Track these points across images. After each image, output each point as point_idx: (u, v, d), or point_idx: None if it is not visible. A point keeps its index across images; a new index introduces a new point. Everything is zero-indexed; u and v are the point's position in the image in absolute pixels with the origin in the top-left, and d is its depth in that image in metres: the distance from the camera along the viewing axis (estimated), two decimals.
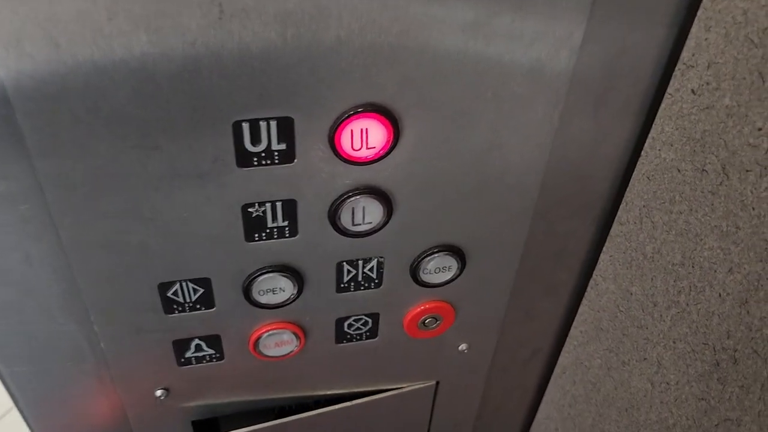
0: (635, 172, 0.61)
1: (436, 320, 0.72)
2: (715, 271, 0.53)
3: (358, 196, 0.55)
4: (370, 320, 0.69)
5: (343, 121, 0.49)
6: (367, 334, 0.70)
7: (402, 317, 0.70)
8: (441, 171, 0.56)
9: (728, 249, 0.51)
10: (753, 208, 0.48)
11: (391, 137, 0.51)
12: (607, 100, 0.56)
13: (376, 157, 0.52)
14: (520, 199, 0.61)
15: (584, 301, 0.75)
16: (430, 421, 0.87)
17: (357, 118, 0.50)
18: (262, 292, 0.60)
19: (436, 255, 0.63)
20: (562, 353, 0.82)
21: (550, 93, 0.53)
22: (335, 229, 0.57)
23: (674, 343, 0.59)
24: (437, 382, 0.82)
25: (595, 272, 0.72)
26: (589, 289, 0.73)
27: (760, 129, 0.46)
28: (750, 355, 0.50)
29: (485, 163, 0.57)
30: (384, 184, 0.55)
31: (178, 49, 0.43)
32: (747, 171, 0.49)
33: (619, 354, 0.69)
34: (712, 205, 0.52)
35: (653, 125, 0.58)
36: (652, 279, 0.62)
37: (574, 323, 0.78)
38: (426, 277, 0.65)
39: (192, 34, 0.43)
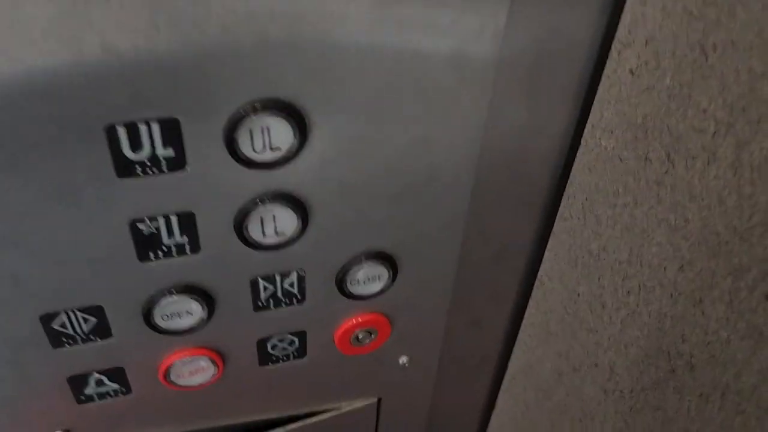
0: (576, 163, 0.56)
1: (371, 334, 0.65)
2: (665, 269, 0.48)
3: (266, 204, 0.48)
4: (296, 339, 0.63)
5: (238, 120, 0.43)
6: (295, 353, 0.63)
7: (332, 333, 0.63)
8: (360, 172, 0.50)
9: (678, 244, 0.46)
10: (702, 199, 0.43)
11: (298, 136, 0.45)
12: (539, 86, 0.50)
13: (282, 160, 0.46)
14: (452, 199, 0.55)
15: (531, 303, 0.69)
16: None
17: (255, 116, 0.43)
18: (165, 317, 0.52)
19: (363, 264, 0.57)
20: (511, 359, 0.77)
21: (476, 82, 0.47)
22: (244, 243, 0.50)
23: (626, 347, 0.55)
24: (379, 399, 0.76)
25: (540, 272, 0.66)
26: (535, 290, 0.68)
27: (705, 111, 0.41)
28: (707, 360, 0.46)
29: (410, 161, 0.51)
30: (295, 190, 0.49)
31: (24, 48, 0.36)
32: (693, 158, 0.44)
33: (570, 359, 0.64)
34: (658, 196, 0.47)
35: (591, 111, 0.53)
36: (599, 278, 0.56)
37: (522, 327, 0.72)
38: (354, 289, 0.59)
39: (39, 30, 0.35)
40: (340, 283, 0.58)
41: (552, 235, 0.63)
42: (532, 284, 0.69)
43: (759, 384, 0.41)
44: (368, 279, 0.59)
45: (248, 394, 0.66)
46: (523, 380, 0.74)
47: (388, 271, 0.59)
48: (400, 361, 0.71)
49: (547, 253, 0.64)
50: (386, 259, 0.58)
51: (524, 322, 0.72)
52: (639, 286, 0.51)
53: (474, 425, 0.87)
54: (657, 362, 0.51)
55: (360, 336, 0.65)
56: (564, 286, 0.62)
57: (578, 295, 0.60)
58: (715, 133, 0.42)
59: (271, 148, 0.45)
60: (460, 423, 0.86)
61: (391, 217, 0.55)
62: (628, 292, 0.53)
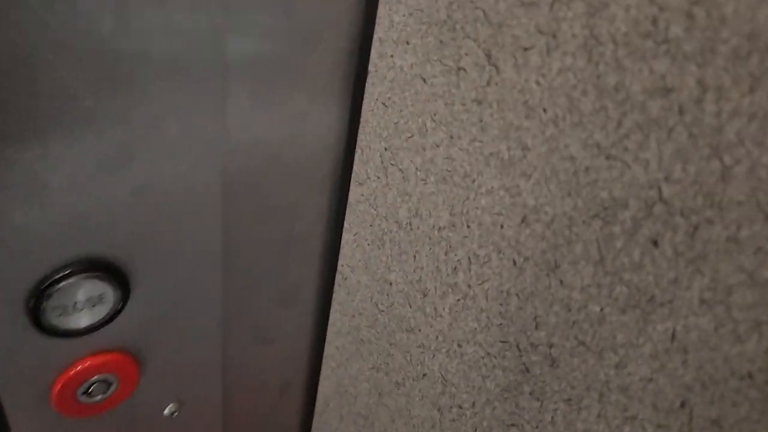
0: (365, 100, 0.40)
1: (108, 383, 0.45)
2: (502, 226, 0.33)
3: None
4: None
5: None
6: None
7: (45, 392, 0.42)
8: None
9: (516, 186, 0.32)
10: (544, 110, 0.29)
11: None
12: None
13: None
14: (200, 204, 0.37)
15: (334, 306, 0.53)
16: None
17: None
18: None
19: (71, 280, 0.37)
20: (321, 380, 0.59)
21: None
22: None
23: (460, 346, 0.39)
24: None
25: (340, 261, 0.50)
26: (336, 287, 0.51)
27: None
28: (575, 349, 0.31)
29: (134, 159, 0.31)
30: None
31: None
32: (525, 49, 0.29)
33: (390, 372, 0.48)
34: (481, 121, 0.32)
35: (377, 18, 0.37)
36: (414, 257, 0.41)
37: (328, 338, 0.55)
38: (61, 320, 0.38)
39: None
40: (35, 312, 0.37)
41: (348, 207, 0.46)
42: (333, 280, 0.52)
43: (654, 375, 0.28)
44: (85, 303, 0.39)
45: None
46: (338, 406, 0.57)
47: (114, 289, 0.39)
48: (166, 412, 0.51)
49: (345, 235, 0.48)
50: (107, 270, 0.38)
51: (329, 331, 0.55)
52: (468, 257, 0.36)
53: None
54: (503, 361, 0.36)
55: (92, 389, 0.44)
56: (371, 275, 0.46)
57: (390, 284, 0.44)
58: (553, 3, 0.27)
59: None
60: None
61: (111, 217, 0.35)
62: (455, 268, 0.38)
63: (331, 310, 0.53)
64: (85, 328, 0.40)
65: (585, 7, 0.26)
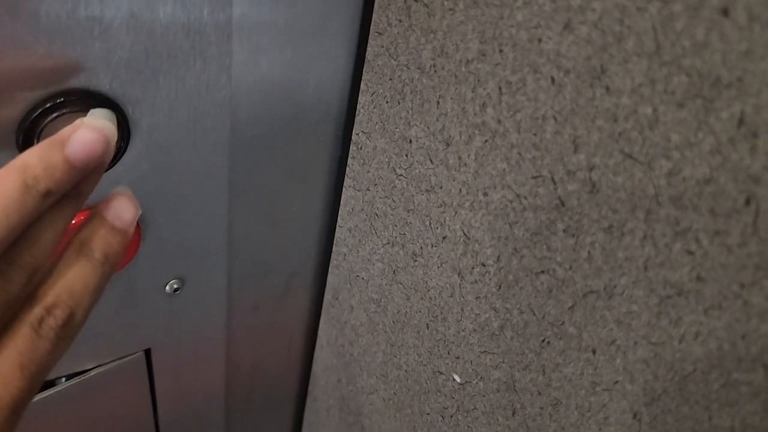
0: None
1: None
2: (540, 40, 0.30)
3: None
4: None
5: None
6: None
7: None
8: None
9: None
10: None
11: None
12: None
13: None
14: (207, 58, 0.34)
15: (347, 182, 0.50)
16: (155, 400, 0.58)
17: None
18: None
19: (66, 110, 0.34)
20: (330, 270, 0.57)
21: None
22: None
23: (486, 195, 0.36)
24: (147, 351, 0.52)
25: (354, 129, 0.47)
26: (350, 160, 0.48)
27: None
28: (619, 165, 0.28)
29: None
30: None
31: None
32: None
33: (406, 244, 0.45)
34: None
35: None
36: (438, 102, 0.38)
37: (339, 221, 0.53)
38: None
39: None
40: (27, 146, 0.34)
41: (366, 64, 0.43)
42: (346, 154, 0.49)
43: (714, 173, 0.25)
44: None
45: None
46: (348, 297, 0.55)
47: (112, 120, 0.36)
48: (167, 288, 0.48)
49: (361, 98, 0.45)
50: (108, 107, 0.35)
51: (341, 211, 0.52)
52: (499, 87, 0.33)
53: (295, 365, 0.66)
54: (536, 200, 0.33)
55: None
56: (389, 137, 0.43)
57: (410, 142, 0.41)
58: None
59: None
60: (276, 361, 0.64)
61: None
62: (483, 104, 0.34)
63: (344, 187, 0.50)
64: None
65: None
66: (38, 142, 0.34)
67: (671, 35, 0.25)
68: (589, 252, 0.31)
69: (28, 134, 0.34)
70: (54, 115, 0.34)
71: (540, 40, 0.30)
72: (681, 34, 0.24)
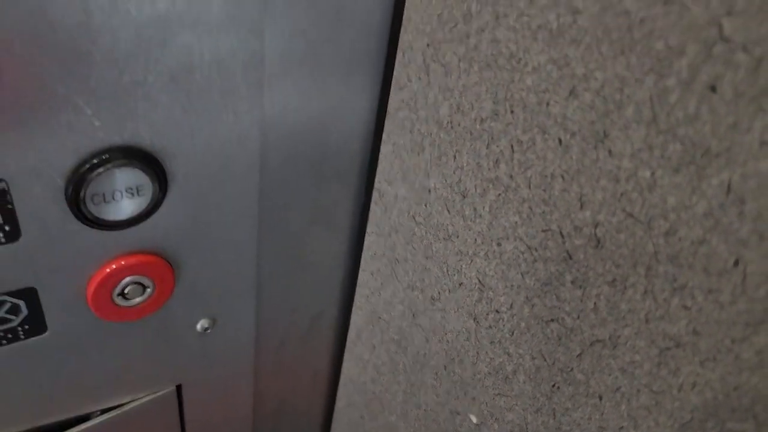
0: None
1: (144, 287, 0.45)
2: (548, 104, 0.32)
3: None
4: (22, 303, 0.40)
5: None
6: (25, 329, 0.41)
7: (82, 289, 0.42)
8: None
9: (564, 56, 0.31)
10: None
11: None
12: None
13: None
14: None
15: (370, 227, 0.52)
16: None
17: None
18: None
19: (110, 165, 0.37)
20: (354, 310, 0.59)
21: None
22: None
23: (499, 245, 0.38)
24: (178, 387, 0.55)
25: (377, 177, 0.49)
26: (373, 206, 0.51)
27: None
28: (622, 223, 0.30)
29: None
30: None
31: None
32: None
33: (425, 289, 0.47)
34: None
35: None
36: (454, 156, 0.40)
37: (362, 264, 0.55)
38: (99, 209, 0.38)
39: None
40: (75, 197, 0.37)
41: (387, 117, 0.46)
42: (369, 200, 0.51)
43: (707, 235, 0.26)
44: (122, 192, 0.39)
45: None
46: (370, 336, 0.57)
47: (152, 180, 0.39)
48: (198, 327, 0.51)
49: (383, 148, 0.47)
50: (144, 159, 0.38)
51: (364, 255, 0.54)
52: (511, 146, 0.35)
53: (319, 399, 0.68)
54: (545, 252, 0.35)
55: (128, 290, 0.44)
56: (409, 186, 0.45)
57: (429, 192, 0.43)
58: None
59: None
60: (300, 398, 0.66)
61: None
62: (496, 161, 0.37)
63: (367, 232, 0.52)
64: (122, 220, 0.40)
65: None
66: (85, 194, 0.37)
67: (666, 106, 0.27)
68: (595, 303, 0.32)
69: (76, 187, 0.37)
70: (100, 170, 0.37)
71: (548, 104, 0.32)
72: (675, 105, 0.26)
